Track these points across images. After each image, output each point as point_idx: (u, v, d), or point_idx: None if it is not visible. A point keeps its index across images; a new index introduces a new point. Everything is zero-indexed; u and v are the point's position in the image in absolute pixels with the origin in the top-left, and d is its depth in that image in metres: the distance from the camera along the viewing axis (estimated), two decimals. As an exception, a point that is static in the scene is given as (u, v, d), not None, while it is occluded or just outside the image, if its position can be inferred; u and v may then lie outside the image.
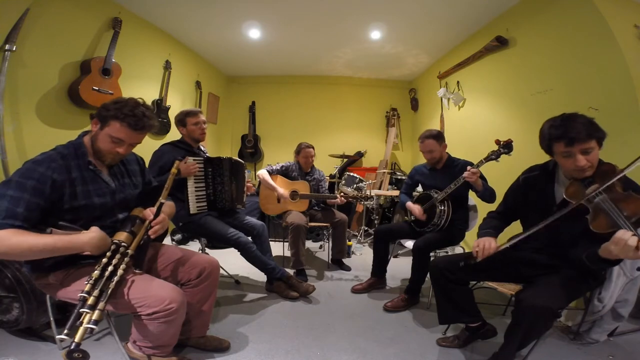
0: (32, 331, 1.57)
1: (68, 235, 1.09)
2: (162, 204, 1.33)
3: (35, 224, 1.08)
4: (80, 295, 1.03)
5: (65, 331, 0.96)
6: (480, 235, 1.46)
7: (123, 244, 1.19)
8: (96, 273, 1.09)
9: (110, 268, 1.11)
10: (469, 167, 1.90)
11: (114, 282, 1.09)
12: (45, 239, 1.05)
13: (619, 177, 1.15)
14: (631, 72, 1.79)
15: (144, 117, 1.21)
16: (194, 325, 1.50)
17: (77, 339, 0.95)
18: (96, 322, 1.00)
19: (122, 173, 1.37)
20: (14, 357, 1.42)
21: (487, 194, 2.00)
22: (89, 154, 1.24)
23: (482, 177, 2.07)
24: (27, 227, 1.05)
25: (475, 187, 1.97)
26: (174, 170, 1.49)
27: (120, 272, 1.12)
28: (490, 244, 1.34)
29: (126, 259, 1.16)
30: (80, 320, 0.99)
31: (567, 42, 2.19)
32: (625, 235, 1.00)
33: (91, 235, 1.12)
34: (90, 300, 1.03)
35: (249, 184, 2.31)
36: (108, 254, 1.15)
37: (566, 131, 1.20)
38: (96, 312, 1.01)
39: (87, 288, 1.05)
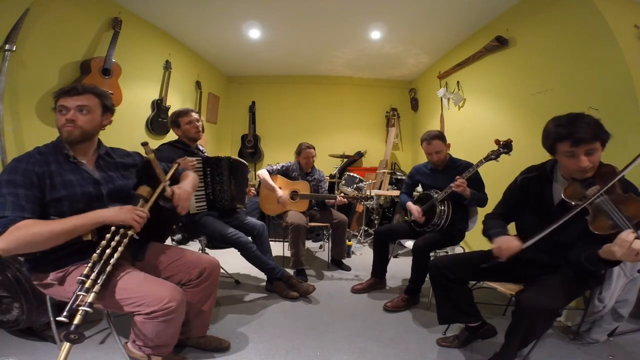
0: (32, 331, 1.57)
1: (89, 212, 1.15)
2: (163, 186, 1.35)
3: (40, 217, 1.11)
4: (79, 279, 1.05)
5: (65, 313, 0.98)
6: (493, 235, 1.42)
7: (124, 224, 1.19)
8: (95, 256, 1.10)
9: (108, 251, 1.12)
10: (457, 177, 1.93)
11: (111, 265, 1.10)
12: (67, 220, 1.10)
13: (619, 177, 1.15)
14: (631, 72, 1.79)
15: (76, 85, 1.27)
16: (194, 325, 1.50)
17: (75, 321, 0.97)
18: (91, 305, 1.02)
19: (108, 165, 1.36)
20: (14, 357, 1.42)
21: (474, 203, 2.09)
22: (68, 148, 1.26)
23: (479, 180, 2.09)
24: (35, 219, 1.08)
25: (463, 195, 1.99)
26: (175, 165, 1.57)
27: (117, 254, 1.12)
28: (513, 243, 1.31)
29: (125, 240, 1.16)
30: (78, 303, 1.01)
31: (567, 42, 2.19)
32: (629, 236, 1.00)
33: (114, 208, 1.18)
34: (88, 284, 1.05)
35: (248, 187, 2.31)
36: (107, 235, 1.15)
37: (573, 131, 1.19)
38: (92, 295, 1.03)
39: (86, 271, 1.07)
